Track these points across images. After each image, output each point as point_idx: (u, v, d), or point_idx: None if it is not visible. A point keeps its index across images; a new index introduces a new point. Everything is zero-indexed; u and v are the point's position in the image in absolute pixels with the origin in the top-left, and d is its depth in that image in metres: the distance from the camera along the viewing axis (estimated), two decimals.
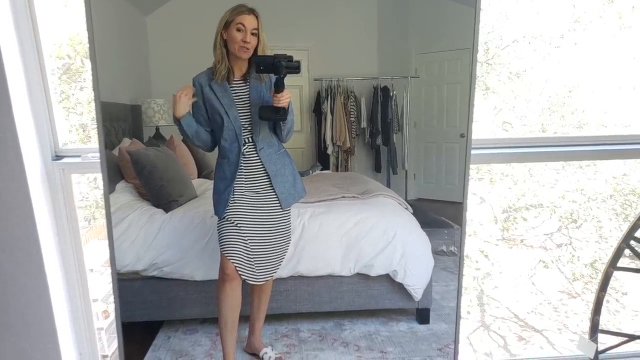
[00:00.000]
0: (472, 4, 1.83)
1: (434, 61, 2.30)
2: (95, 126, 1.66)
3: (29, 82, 1.91)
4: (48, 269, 1.98)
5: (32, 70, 1.92)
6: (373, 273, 2.13)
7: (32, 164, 1.91)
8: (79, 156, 2.04)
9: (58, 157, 2.04)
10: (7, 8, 1.81)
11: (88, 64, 2.40)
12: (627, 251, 2.06)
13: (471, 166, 2.00)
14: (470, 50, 2.10)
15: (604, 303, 2.10)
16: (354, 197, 2.20)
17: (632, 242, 2.04)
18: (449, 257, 2.27)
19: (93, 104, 1.67)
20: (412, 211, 2.23)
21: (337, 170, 2.36)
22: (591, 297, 4.19)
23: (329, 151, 2.33)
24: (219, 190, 1.90)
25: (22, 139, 1.84)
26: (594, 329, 2.05)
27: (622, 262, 2.08)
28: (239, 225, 1.89)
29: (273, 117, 1.81)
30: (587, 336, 2.07)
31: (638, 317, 4.08)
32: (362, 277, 2.14)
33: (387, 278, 2.15)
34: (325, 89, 2.27)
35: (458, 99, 2.27)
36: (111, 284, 3.01)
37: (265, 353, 2.08)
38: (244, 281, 1.91)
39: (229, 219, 1.88)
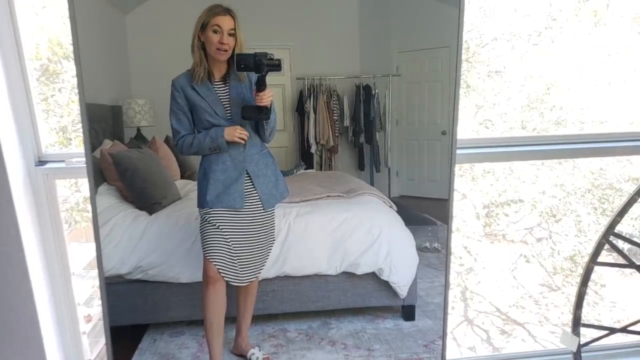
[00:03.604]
0: (454, 3, 1.84)
1: (415, 59, 2.32)
2: (76, 128, 1.63)
3: (10, 86, 1.86)
4: (32, 275, 1.94)
5: (13, 73, 1.87)
6: (359, 271, 2.14)
7: (15, 170, 1.87)
8: (63, 161, 2.00)
9: (41, 163, 1.99)
10: None
11: (66, 65, 2.36)
12: (606, 245, 2.11)
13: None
14: (450, 49, 2.12)
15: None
16: (339, 196, 2.21)
17: (612, 238, 2.08)
18: (433, 254, 2.30)
19: (72, 106, 1.63)
20: (396, 209, 2.25)
21: (321, 169, 2.36)
22: (571, 290, 4.27)
23: (313, 150, 2.33)
24: (202, 184, 1.88)
25: (4, 145, 1.80)
26: (576, 323, 2.10)
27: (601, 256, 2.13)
28: (221, 227, 1.87)
29: (256, 117, 1.80)
30: (569, 330, 2.12)
31: (616, 308, 4.17)
32: (348, 275, 2.15)
33: (373, 276, 2.17)
34: (307, 88, 2.27)
35: (439, 96, 2.29)
36: (93, 288, 2.97)
37: (253, 354, 2.07)
38: (228, 283, 1.90)
39: (211, 222, 1.87)
